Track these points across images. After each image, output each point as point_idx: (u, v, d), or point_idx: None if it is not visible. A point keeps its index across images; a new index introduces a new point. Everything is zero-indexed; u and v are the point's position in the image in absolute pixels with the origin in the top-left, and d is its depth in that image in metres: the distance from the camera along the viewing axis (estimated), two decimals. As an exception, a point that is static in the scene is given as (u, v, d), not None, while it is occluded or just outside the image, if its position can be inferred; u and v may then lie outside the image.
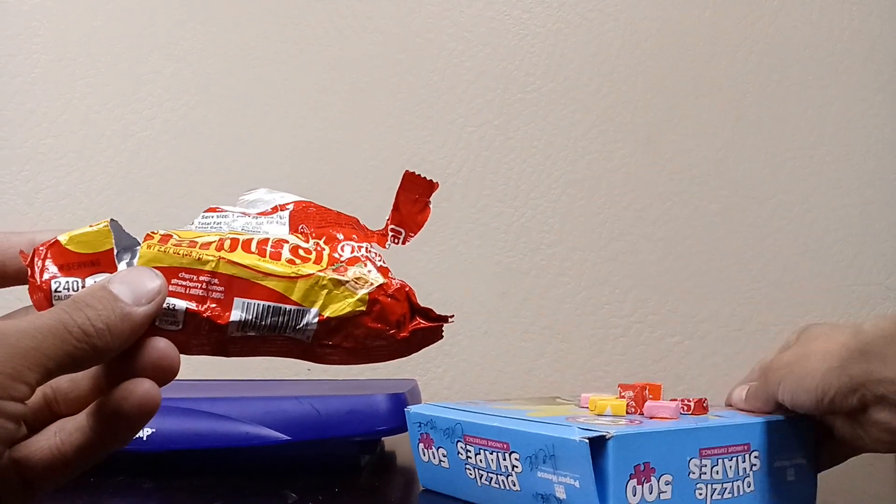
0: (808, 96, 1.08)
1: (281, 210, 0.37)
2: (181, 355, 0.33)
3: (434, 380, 0.97)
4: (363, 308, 0.34)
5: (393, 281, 0.35)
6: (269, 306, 0.33)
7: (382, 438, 0.73)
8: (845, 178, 1.08)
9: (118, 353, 0.31)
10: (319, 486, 0.59)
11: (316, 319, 0.33)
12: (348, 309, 0.34)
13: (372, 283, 0.34)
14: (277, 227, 0.36)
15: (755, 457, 0.51)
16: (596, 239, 1.02)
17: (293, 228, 0.36)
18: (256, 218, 0.37)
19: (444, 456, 0.56)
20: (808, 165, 1.07)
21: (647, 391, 0.55)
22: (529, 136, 1.01)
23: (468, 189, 0.99)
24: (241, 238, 0.35)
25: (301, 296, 0.33)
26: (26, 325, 0.29)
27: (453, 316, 0.36)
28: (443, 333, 0.37)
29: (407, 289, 0.35)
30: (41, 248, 0.34)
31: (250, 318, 0.33)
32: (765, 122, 1.07)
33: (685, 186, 1.04)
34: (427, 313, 0.35)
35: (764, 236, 1.06)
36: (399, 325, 0.35)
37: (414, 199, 0.39)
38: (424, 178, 0.38)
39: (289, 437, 0.61)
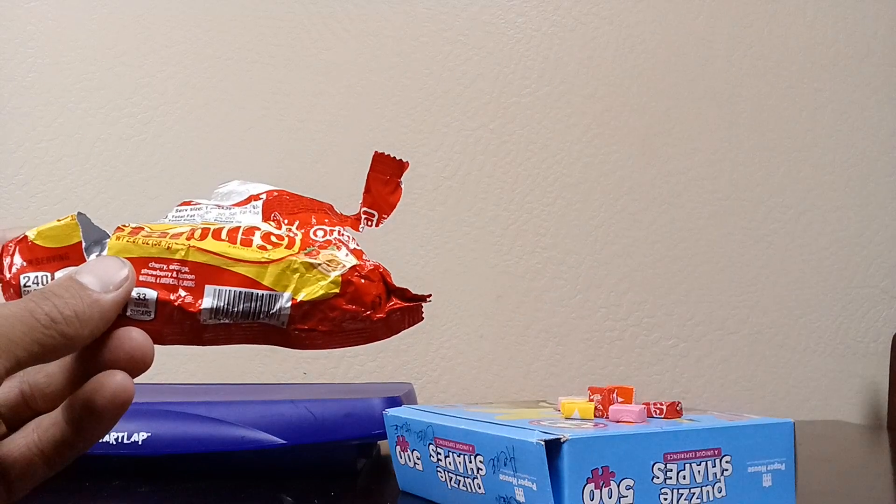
0: (803, 99, 1.08)
1: (254, 200, 0.37)
2: (159, 346, 0.33)
3: (430, 383, 0.97)
4: (336, 290, 0.34)
5: (367, 262, 0.35)
6: (240, 292, 0.33)
7: (379, 442, 0.73)
8: (840, 180, 1.09)
9: (89, 340, 0.31)
10: (316, 490, 0.59)
11: (289, 304, 0.33)
12: (321, 292, 0.33)
13: (344, 265, 0.34)
14: (251, 217, 0.36)
15: (726, 461, 0.51)
16: (591, 242, 1.02)
17: (266, 217, 0.36)
18: (230, 209, 0.37)
19: (418, 458, 0.56)
20: (802, 168, 1.08)
21: (615, 394, 0.55)
22: (525, 140, 1.01)
23: (464, 192, 0.99)
24: (212, 227, 0.34)
25: (273, 280, 0.33)
26: None
27: (430, 295, 0.36)
28: (423, 315, 0.36)
29: (381, 269, 0.35)
30: (10, 245, 0.34)
31: (222, 304, 0.33)
32: (759, 125, 1.07)
33: (680, 190, 1.04)
34: (403, 293, 0.35)
35: (759, 239, 1.06)
36: (375, 305, 0.34)
37: (385, 179, 0.38)
38: (394, 157, 0.38)
39: (285, 441, 0.61)
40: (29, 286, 0.33)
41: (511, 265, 1.00)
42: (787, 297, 1.06)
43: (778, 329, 1.06)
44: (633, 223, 1.03)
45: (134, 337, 0.32)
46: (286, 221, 0.36)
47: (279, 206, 0.37)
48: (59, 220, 0.34)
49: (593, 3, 1.04)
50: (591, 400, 0.55)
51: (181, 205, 0.37)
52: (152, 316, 0.33)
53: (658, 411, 0.54)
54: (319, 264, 0.34)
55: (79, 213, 0.35)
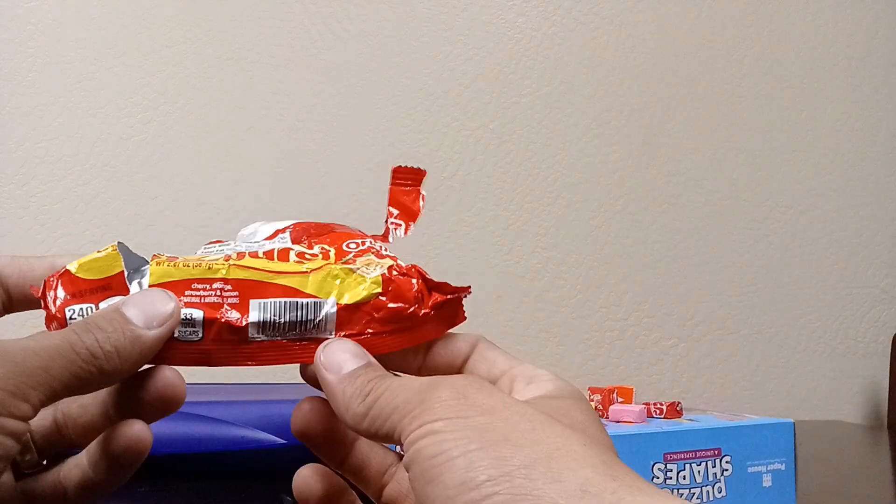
0: (803, 99, 1.08)
1: (281, 232, 0.37)
2: (207, 367, 0.33)
3: (430, 383, 0.97)
4: (378, 290, 0.33)
5: (401, 263, 0.35)
6: (285, 302, 0.33)
7: (379, 442, 0.73)
8: (840, 180, 1.09)
9: (127, 375, 0.31)
10: (316, 490, 0.59)
11: (334, 308, 0.33)
12: (365, 293, 0.33)
13: (381, 265, 0.34)
14: (281, 245, 0.36)
15: (726, 461, 0.51)
16: (591, 242, 1.02)
17: (295, 242, 0.36)
18: (261, 243, 0.36)
19: None
20: (802, 168, 1.08)
21: (615, 394, 0.55)
22: (525, 140, 1.01)
23: (464, 192, 0.99)
24: (248, 251, 0.35)
25: (316, 288, 0.33)
26: (34, 343, 0.28)
27: (469, 287, 0.36)
28: (465, 314, 0.36)
29: (416, 267, 0.35)
30: (52, 280, 0.33)
31: (268, 317, 0.32)
32: (759, 125, 1.07)
33: (680, 189, 1.04)
34: (443, 287, 0.35)
35: (759, 238, 1.06)
36: (418, 300, 0.34)
37: (405, 190, 0.39)
38: (412, 167, 0.39)
39: (285, 441, 0.61)
40: (74, 318, 0.32)
41: (511, 265, 1.00)
42: (787, 297, 1.06)
43: (778, 329, 1.06)
44: (633, 223, 1.03)
45: (167, 376, 0.32)
46: (316, 240, 0.36)
47: (306, 232, 0.37)
48: (98, 252, 0.34)
49: (593, 3, 1.04)
50: (591, 400, 0.55)
51: (209, 243, 0.37)
52: (200, 336, 0.32)
53: (658, 411, 0.54)
54: (358, 269, 0.34)
55: (119, 243, 0.34)
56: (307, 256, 0.34)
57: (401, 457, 0.34)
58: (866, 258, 1.09)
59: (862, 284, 1.09)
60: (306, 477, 0.33)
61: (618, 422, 0.52)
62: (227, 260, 0.33)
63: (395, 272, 0.34)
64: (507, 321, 0.99)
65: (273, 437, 0.61)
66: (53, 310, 0.32)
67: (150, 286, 0.32)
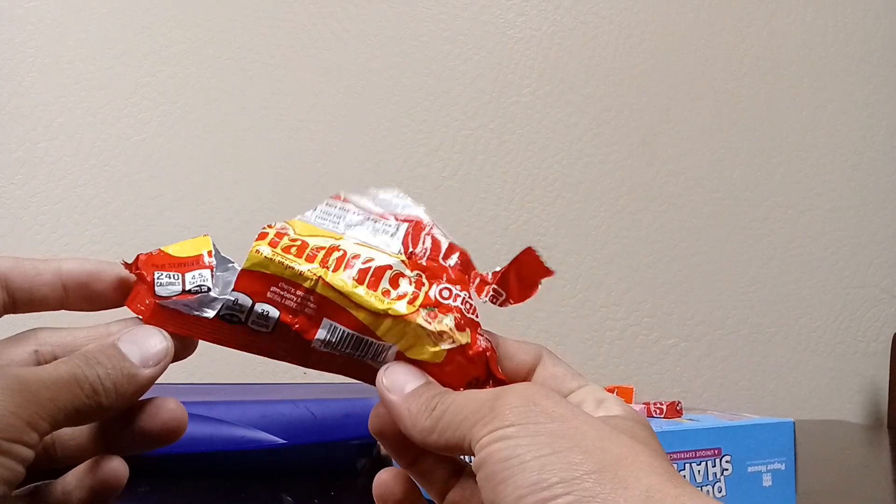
0: (803, 99, 1.08)
1: (402, 222, 0.38)
2: (246, 351, 0.34)
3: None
4: (439, 361, 0.34)
5: (478, 341, 0.34)
6: (352, 335, 0.34)
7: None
8: (840, 180, 1.09)
9: (120, 411, 0.32)
10: (316, 490, 0.59)
11: (394, 354, 0.34)
12: (426, 356, 0.34)
13: (455, 342, 0.34)
14: (391, 240, 0.37)
15: (726, 461, 0.51)
16: (591, 242, 1.02)
17: (405, 245, 0.36)
18: (375, 222, 0.37)
19: None
20: (802, 168, 1.08)
21: (615, 394, 0.55)
22: (525, 140, 1.01)
23: (464, 192, 0.99)
24: (349, 254, 0.35)
25: (385, 331, 0.34)
26: (45, 375, 0.30)
27: None
28: None
29: (488, 353, 0.35)
30: (142, 255, 0.35)
31: (333, 340, 0.34)
32: (759, 124, 1.07)
33: (680, 189, 1.04)
34: (502, 384, 0.34)
35: (759, 238, 1.06)
36: (470, 386, 0.34)
37: (523, 276, 0.39)
38: (543, 263, 0.38)
39: (285, 441, 0.61)
40: (161, 281, 0.34)
41: (511, 265, 1.00)
42: (787, 297, 1.06)
43: (778, 329, 1.06)
44: (632, 223, 1.03)
45: (171, 408, 0.33)
46: (420, 262, 0.36)
47: (420, 240, 0.37)
48: (191, 240, 0.36)
49: (593, 3, 1.04)
50: (591, 400, 0.55)
51: (332, 198, 0.38)
52: (270, 330, 0.34)
53: (658, 411, 0.54)
54: (433, 332, 0.34)
55: (207, 235, 0.36)
56: (399, 283, 0.35)
57: (466, 465, 0.35)
58: (866, 258, 1.09)
59: (862, 284, 1.09)
60: (386, 480, 0.35)
61: None
62: (323, 265, 0.34)
63: (462, 354, 0.34)
64: (508, 321, 0.99)
65: (273, 437, 0.61)
66: (145, 274, 0.34)
67: (243, 269, 0.33)
